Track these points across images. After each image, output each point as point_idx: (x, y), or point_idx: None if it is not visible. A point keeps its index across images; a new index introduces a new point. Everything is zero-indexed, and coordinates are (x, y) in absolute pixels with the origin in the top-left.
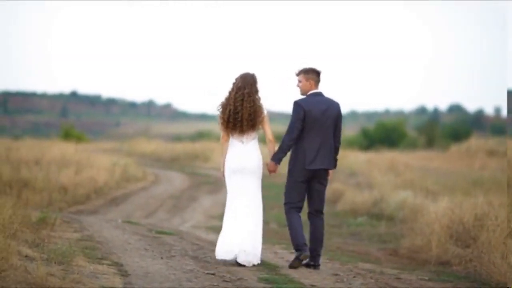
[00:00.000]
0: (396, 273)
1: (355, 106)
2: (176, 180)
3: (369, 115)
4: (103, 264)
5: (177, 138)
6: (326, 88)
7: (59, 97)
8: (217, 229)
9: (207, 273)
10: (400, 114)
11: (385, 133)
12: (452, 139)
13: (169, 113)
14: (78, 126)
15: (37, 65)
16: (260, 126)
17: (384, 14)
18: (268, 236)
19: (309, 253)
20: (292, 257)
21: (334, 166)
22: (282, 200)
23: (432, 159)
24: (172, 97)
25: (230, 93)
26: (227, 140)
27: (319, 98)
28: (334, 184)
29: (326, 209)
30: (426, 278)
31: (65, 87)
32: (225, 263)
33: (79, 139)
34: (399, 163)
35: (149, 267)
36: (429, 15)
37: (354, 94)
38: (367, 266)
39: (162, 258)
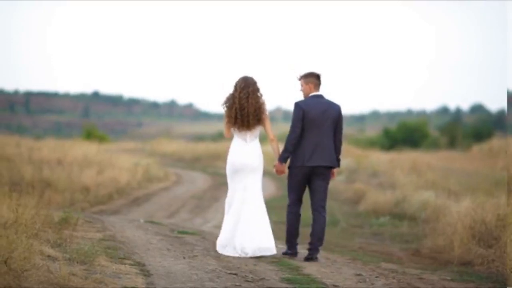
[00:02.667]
0: (419, 273)
1: (377, 106)
2: (198, 180)
3: (391, 115)
4: (125, 264)
5: (199, 138)
6: (349, 88)
7: (81, 97)
8: None
9: (229, 273)
10: (422, 114)
11: (407, 133)
12: (474, 139)
13: (191, 113)
14: (100, 126)
15: (59, 65)
16: (262, 125)
17: (408, 14)
18: None
19: (296, 252)
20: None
21: (337, 165)
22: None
23: (454, 159)
24: (194, 97)
25: (234, 93)
26: (228, 136)
27: (319, 100)
28: (356, 184)
29: (348, 209)
30: (449, 278)
31: (87, 87)
32: (247, 262)
33: (101, 139)
34: (421, 163)
35: (171, 267)
36: (454, 15)
37: (377, 94)
38: (390, 266)
39: (184, 258)
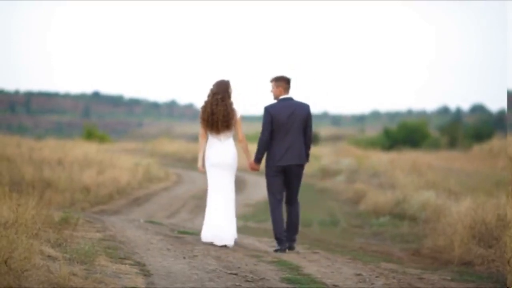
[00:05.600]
0: (419, 273)
1: (377, 106)
2: (199, 180)
3: (392, 115)
4: (125, 264)
5: None
6: (349, 88)
7: (82, 97)
8: (240, 229)
9: (230, 273)
10: (422, 114)
11: (408, 134)
12: (474, 139)
13: (191, 113)
14: (101, 126)
15: (59, 65)
16: (233, 128)
17: (408, 14)
18: None
19: (286, 247)
20: (314, 256)
21: (306, 160)
22: (304, 201)
23: (454, 159)
24: (194, 97)
25: (208, 97)
26: (205, 138)
27: (287, 102)
28: (357, 184)
29: (348, 209)
30: (449, 278)
31: (87, 87)
32: (247, 262)
33: (101, 139)
34: (421, 163)
35: (171, 267)
36: (455, 15)
37: (377, 94)
38: (390, 266)
39: (184, 258)
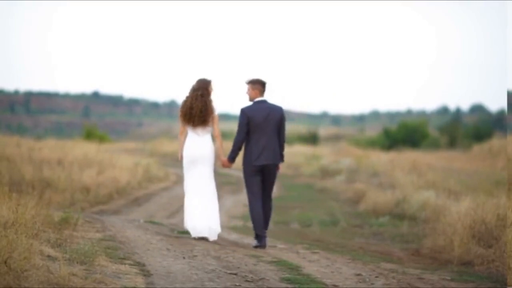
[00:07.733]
0: (418, 273)
1: (377, 106)
2: None
3: (391, 115)
4: (125, 264)
5: None
6: (349, 88)
7: (81, 97)
8: (239, 229)
9: (229, 273)
10: (422, 114)
11: (407, 133)
12: (474, 139)
13: None
14: (101, 126)
15: (59, 65)
16: (211, 124)
17: (408, 14)
18: (290, 236)
19: (265, 245)
20: (314, 257)
21: (281, 160)
22: (304, 200)
23: (454, 159)
24: None
25: (189, 93)
26: (183, 132)
27: (262, 105)
28: (357, 184)
29: (348, 209)
30: (449, 278)
31: (87, 87)
32: (247, 262)
33: (101, 139)
34: (421, 163)
35: (171, 267)
36: (455, 15)
37: (377, 94)
38: (389, 266)
39: (184, 258)
